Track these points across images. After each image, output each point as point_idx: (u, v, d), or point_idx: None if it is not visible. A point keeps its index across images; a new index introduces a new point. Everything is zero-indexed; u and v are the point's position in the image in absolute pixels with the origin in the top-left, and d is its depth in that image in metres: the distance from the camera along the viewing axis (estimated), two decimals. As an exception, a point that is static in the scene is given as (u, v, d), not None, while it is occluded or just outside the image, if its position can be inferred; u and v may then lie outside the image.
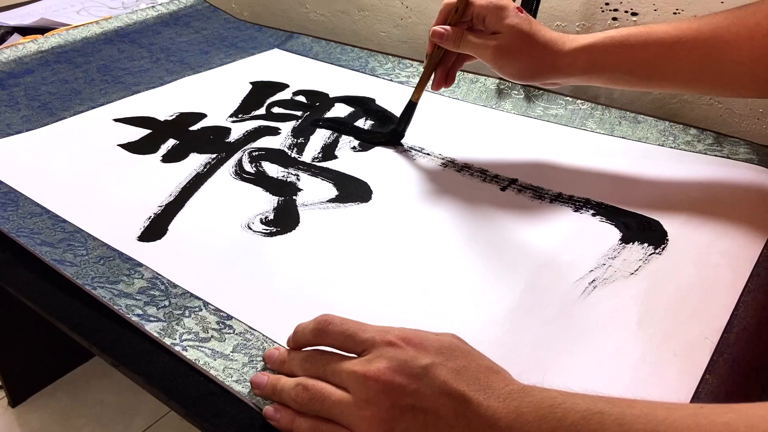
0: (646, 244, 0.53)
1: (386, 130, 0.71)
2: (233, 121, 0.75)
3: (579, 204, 0.59)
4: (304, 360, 0.41)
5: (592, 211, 0.58)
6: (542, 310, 0.47)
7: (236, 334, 0.46)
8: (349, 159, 0.68)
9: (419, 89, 0.68)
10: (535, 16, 0.82)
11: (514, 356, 0.43)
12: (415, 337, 0.38)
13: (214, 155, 0.68)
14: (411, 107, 0.69)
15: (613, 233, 0.55)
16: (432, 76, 0.67)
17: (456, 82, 0.82)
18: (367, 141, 0.71)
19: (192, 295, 0.49)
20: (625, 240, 0.54)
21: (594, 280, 0.50)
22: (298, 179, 0.64)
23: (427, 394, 0.35)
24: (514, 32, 0.59)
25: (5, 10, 1.05)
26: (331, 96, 0.81)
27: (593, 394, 0.34)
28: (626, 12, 0.83)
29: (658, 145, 0.68)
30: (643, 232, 0.55)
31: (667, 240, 0.54)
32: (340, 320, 0.41)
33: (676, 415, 0.32)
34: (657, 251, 0.52)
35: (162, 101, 0.80)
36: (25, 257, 0.54)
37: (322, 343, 0.41)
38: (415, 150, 0.69)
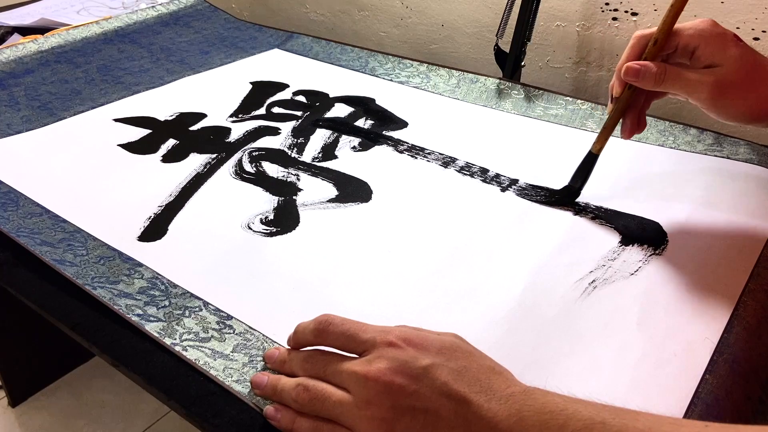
0: (645, 246, 0.53)
1: (557, 187, 0.61)
2: (233, 121, 0.75)
3: (579, 206, 0.59)
4: (304, 360, 0.41)
5: (591, 214, 0.58)
6: (542, 310, 0.47)
7: (236, 334, 0.46)
8: (349, 159, 0.68)
9: (603, 138, 0.57)
10: (535, 16, 0.82)
11: (514, 356, 0.43)
12: (415, 337, 0.38)
13: (214, 155, 0.68)
14: (591, 160, 0.58)
15: (613, 236, 0.55)
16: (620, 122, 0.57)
17: (456, 82, 0.82)
18: (535, 200, 0.60)
19: (192, 295, 0.49)
20: (625, 242, 0.54)
21: (594, 281, 0.50)
22: (298, 179, 0.64)
23: (427, 394, 0.35)
24: (739, 65, 0.50)
25: (5, 10, 1.05)
26: (331, 96, 0.81)
27: (597, 403, 0.34)
28: (626, 12, 0.83)
29: (658, 145, 0.68)
30: (643, 234, 0.55)
31: (667, 241, 0.54)
32: (341, 320, 0.40)
33: None
34: (657, 252, 0.52)
35: (162, 101, 0.80)
36: (25, 257, 0.54)
37: (323, 343, 0.41)
38: (416, 150, 0.69)
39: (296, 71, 0.88)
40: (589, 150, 0.58)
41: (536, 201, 0.60)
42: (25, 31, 0.96)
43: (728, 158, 0.65)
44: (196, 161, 0.67)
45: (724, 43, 0.50)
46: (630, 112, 0.56)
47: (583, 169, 0.59)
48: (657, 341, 0.44)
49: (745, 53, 0.50)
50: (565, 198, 0.59)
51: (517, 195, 0.61)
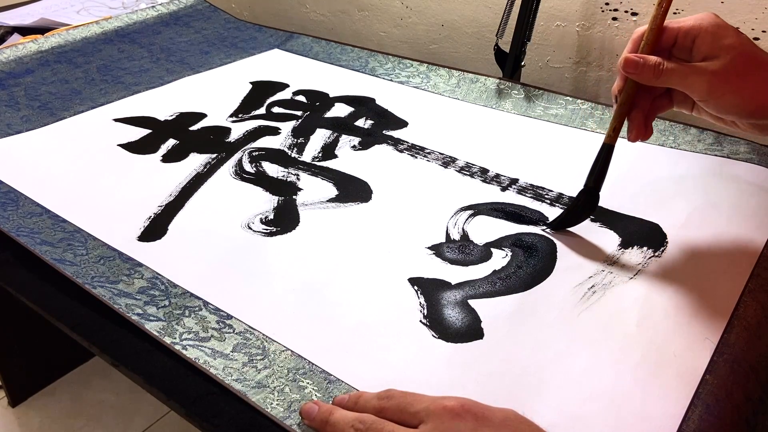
0: (645, 248, 0.53)
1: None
2: (233, 121, 0.75)
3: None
4: (356, 419, 0.38)
5: (591, 217, 0.58)
6: (542, 313, 0.47)
7: (236, 333, 0.46)
8: (349, 159, 0.68)
9: (613, 131, 0.53)
10: (534, 16, 0.82)
11: (515, 358, 0.43)
12: (474, 405, 0.36)
13: (214, 155, 0.68)
14: (606, 153, 0.53)
15: (613, 238, 0.55)
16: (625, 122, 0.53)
17: (456, 82, 0.82)
18: (552, 226, 0.56)
19: (192, 294, 0.49)
20: (624, 245, 0.54)
21: (593, 286, 0.50)
22: (298, 179, 0.64)
23: None
24: (737, 54, 0.47)
25: (5, 10, 1.05)
26: (331, 96, 0.81)
27: None
28: (626, 12, 0.83)
29: (658, 145, 0.68)
30: (643, 236, 0.54)
31: (667, 242, 0.54)
32: (401, 394, 0.39)
33: None
34: (656, 254, 0.52)
35: (162, 101, 0.80)
36: (25, 257, 0.54)
37: (383, 418, 0.38)
38: (416, 150, 0.69)
39: (296, 71, 0.88)
40: (603, 142, 0.53)
41: (555, 227, 0.56)
42: (25, 31, 0.96)
43: (728, 158, 0.65)
44: (196, 161, 0.67)
45: (720, 35, 0.48)
46: (635, 113, 0.52)
47: (599, 164, 0.53)
48: (657, 342, 0.44)
49: (743, 44, 0.48)
50: (588, 206, 0.54)
51: (517, 193, 0.61)
